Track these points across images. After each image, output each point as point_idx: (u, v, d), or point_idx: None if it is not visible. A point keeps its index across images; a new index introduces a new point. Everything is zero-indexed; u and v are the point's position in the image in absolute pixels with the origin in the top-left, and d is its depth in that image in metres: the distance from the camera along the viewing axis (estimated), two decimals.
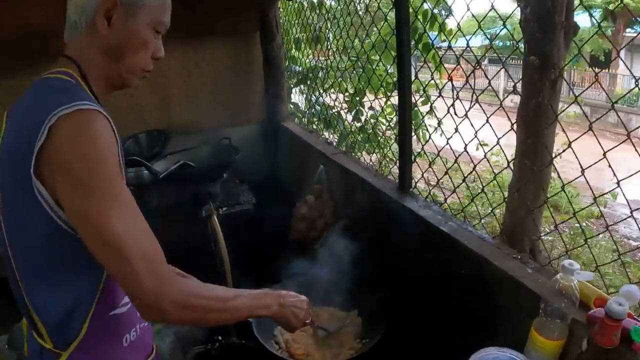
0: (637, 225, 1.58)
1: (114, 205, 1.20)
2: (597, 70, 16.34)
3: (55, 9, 3.64)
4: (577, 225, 6.95)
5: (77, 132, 1.19)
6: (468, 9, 1.95)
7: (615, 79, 19.86)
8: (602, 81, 17.76)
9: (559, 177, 1.83)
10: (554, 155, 2.06)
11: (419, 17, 3.19)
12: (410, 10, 2.33)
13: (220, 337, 2.21)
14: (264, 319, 2.15)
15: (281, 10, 4.34)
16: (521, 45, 4.64)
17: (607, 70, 18.66)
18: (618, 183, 1.55)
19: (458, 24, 2.03)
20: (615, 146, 1.53)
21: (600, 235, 7.17)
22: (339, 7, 3.84)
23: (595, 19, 1.90)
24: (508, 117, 1.81)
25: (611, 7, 16.54)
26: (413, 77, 2.39)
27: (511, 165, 4.79)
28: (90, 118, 1.21)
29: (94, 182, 1.19)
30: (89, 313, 1.36)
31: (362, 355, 2.04)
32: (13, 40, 3.57)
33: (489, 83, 1.91)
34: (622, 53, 19.31)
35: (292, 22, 4.78)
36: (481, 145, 2.07)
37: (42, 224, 1.25)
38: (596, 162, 1.56)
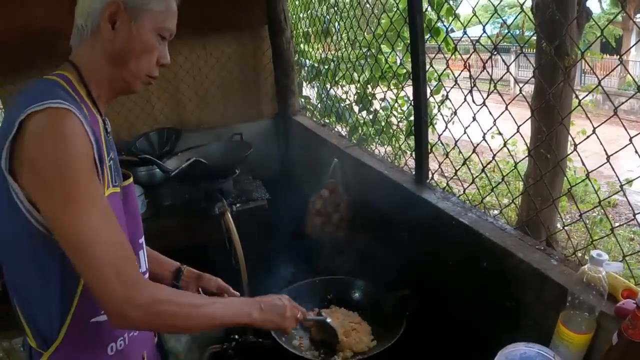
0: None
1: (81, 207, 1.20)
2: (607, 56, 16.29)
3: (59, 12, 3.64)
4: (594, 214, 6.92)
5: (45, 129, 1.19)
6: None
7: (627, 66, 19.76)
8: (612, 68, 17.63)
9: (583, 164, 1.78)
10: (570, 143, 2.01)
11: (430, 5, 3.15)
12: None
13: (237, 336, 2.18)
14: None
15: (289, 3, 4.30)
16: (530, 33, 4.60)
17: (618, 57, 18.53)
18: None
19: (473, 9, 1.98)
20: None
21: (617, 224, 7.11)
22: None
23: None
24: (529, 104, 1.76)
25: None
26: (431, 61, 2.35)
27: (522, 155, 4.78)
28: (59, 116, 1.20)
29: (60, 180, 1.19)
30: (67, 318, 1.36)
31: (383, 352, 2.01)
32: (18, 43, 3.58)
33: (507, 69, 1.87)
34: (633, 38, 19.22)
35: (300, 15, 4.75)
36: (499, 134, 2.03)
37: (20, 227, 1.26)
38: (622, 149, 1.50)
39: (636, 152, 1.44)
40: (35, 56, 3.68)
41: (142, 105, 4.19)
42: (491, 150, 2.04)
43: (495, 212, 2.21)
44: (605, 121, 1.53)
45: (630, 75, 14.55)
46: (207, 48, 4.21)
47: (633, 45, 5.72)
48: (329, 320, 2.12)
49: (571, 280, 1.43)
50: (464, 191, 2.23)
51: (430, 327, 2.08)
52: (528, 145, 3.03)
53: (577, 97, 1.88)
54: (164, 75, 4.17)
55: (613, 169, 1.57)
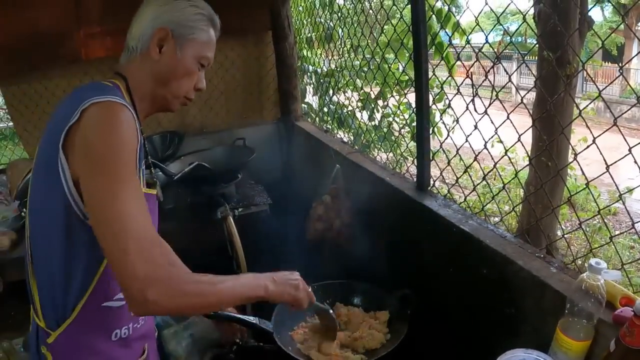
0: None
1: (123, 187, 1.29)
2: (609, 64, 16.32)
3: (63, 16, 3.67)
4: (594, 222, 6.93)
5: (104, 117, 1.33)
6: (486, 3, 1.92)
7: (628, 74, 19.77)
8: (614, 76, 17.65)
9: (583, 173, 1.80)
10: (571, 152, 2.03)
11: (433, 15, 3.18)
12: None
13: (238, 340, 2.21)
14: (281, 321, 2.17)
15: (292, 9, 4.33)
16: (533, 41, 4.62)
17: (619, 67, 18.56)
18: None
19: (476, 18, 2.00)
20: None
21: (617, 232, 7.13)
22: (351, 4, 3.82)
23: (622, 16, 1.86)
24: (529, 113, 1.78)
25: (623, 1, 16.47)
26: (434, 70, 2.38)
27: (523, 162, 4.79)
28: (118, 109, 1.34)
29: (109, 163, 1.30)
30: (82, 299, 1.45)
31: (386, 355, 2.03)
32: (24, 45, 3.60)
33: (509, 79, 1.89)
34: (635, 46, 19.24)
35: (304, 21, 4.78)
36: (500, 142, 2.05)
37: (60, 206, 1.37)
38: (621, 159, 1.53)
39: (635, 162, 1.46)
40: (39, 59, 3.72)
41: None
42: (492, 158, 2.07)
43: (496, 219, 2.23)
44: (604, 132, 1.54)
45: (630, 86, 14.53)
46: None
47: (634, 57, 5.69)
48: (331, 311, 2.14)
49: (570, 288, 1.45)
50: (465, 198, 2.26)
51: (430, 332, 2.10)
52: (529, 153, 3.05)
53: (577, 107, 1.90)
54: None
55: (612, 179, 1.59)
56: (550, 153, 4.11)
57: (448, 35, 2.72)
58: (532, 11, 4.86)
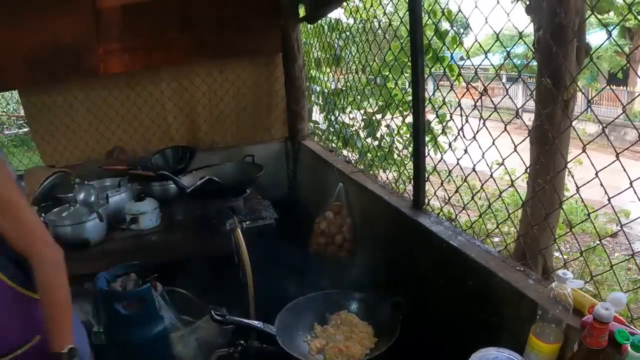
0: None
1: (24, 205, 1.77)
2: (614, 87, 16.30)
3: (84, 29, 3.85)
4: (591, 242, 7.03)
5: None
6: (486, 21, 2.03)
7: (633, 96, 19.77)
8: (620, 98, 17.68)
9: (582, 202, 1.91)
10: (569, 172, 2.14)
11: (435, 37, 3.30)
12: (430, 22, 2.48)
13: (242, 341, 2.34)
14: (285, 323, 2.33)
15: (301, 32, 4.49)
16: (534, 63, 4.76)
17: (625, 88, 18.59)
18: None
19: (476, 37, 2.13)
20: None
21: (616, 254, 7.23)
22: (357, 26, 3.96)
23: (614, 39, 1.97)
24: (512, 139, 1.92)
25: (628, 24, 16.56)
26: (432, 93, 2.53)
27: (524, 183, 4.91)
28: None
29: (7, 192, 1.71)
30: None
31: (377, 357, 2.20)
32: (45, 57, 3.78)
33: (507, 92, 2.01)
34: None
35: (312, 43, 4.93)
36: (501, 164, 2.15)
37: None
38: (623, 191, 1.64)
39: (636, 193, 1.59)
40: (59, 71, 3.90)
41: (160, 123, 4.39)
42: (493, 178, 2.20)
43: (496, 239, 2.36)
44: (607, 166, 1.61)
45: (630, 119, 14.54)
46: (223, 72, 4.41)
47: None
48: None
49: (542, 296, 1.61)
50: (455, 217, 2.41)
51: (418, 336, 2.25)
52: (529, 172, 3.18)
53: (578, 135, 2.03)
54: (182, 96, 4.38)
55: (614, 209, 1.70)
56: (547, 175, 4.23)
57: (452, 58, 2.86)
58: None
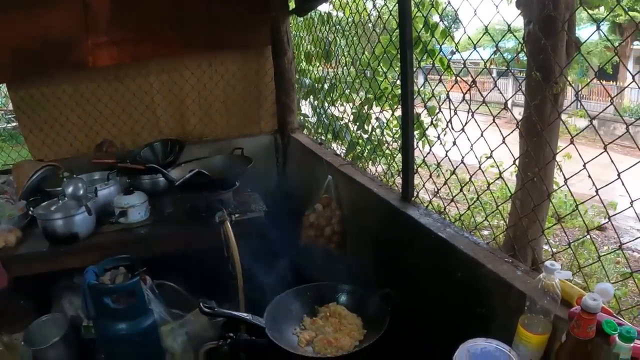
0: None
1: None
2: (604, 82, 16.39)
3: (73, 22, 3.84)
4: (580, 235, 7.08)
5: None
6: (475, 13, 2.01)
7: (623, 91, 19.89)
8: (609, 92, 17.76)
9: (571, 194, 1.92)
10: (557, 165, 2.14)
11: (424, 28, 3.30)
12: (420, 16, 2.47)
13: (232, 334, 2.34)
14: (275, 315, 2.34)
15: (292, 25, 4.48)
16: (525, 58, 4.77)
17: (614, 83, 18.67)
18: (631, 203, 1.63)
19: (465, 31, 2.12)
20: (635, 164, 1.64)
21: (605, 247, 7.27)
22: (348, 19, 3.95)
23: (603, 32, 1.96)
24: (500, 131, 1.93)
25: (619, 20, 16.65)
26: (421, 86, 2.53)
27: (513, 177, 4.92)
28: None
29: None
30: None
31: (366, 348, 2.20)
32: (34, 50, 3.76)
33: (495, 83, 2.02)
34: (630, 65, 19.39)
35: (302, 36, 4.91)
36: (491, 158, 2.16)
37: None
38: (610, 183, 1.65)
39: (623, 185, 1.60)
40: (48, 63, 3.88)
41: (148, 116, 4.37)
42: (482, 170, 2.21)
43: (486, 232, 2.37)
44: (594, 158, 1.62)
45: (619, 113, 14.63)
46: (212, 65, 4.40)
47: (629, 84, 5.73)
48: None
49: (530, 288, 1.61)
50: (444, 209, 2.41)
51: (407, 327, 2.26)
52: (517, 165, 3.19)
53: (563, 123, 2.03)
54: (171, 89, 4.36)
55: (602, 202, 1.72)
56: (535, 169, 4.24)
57: (442, 51, 2.85)
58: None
